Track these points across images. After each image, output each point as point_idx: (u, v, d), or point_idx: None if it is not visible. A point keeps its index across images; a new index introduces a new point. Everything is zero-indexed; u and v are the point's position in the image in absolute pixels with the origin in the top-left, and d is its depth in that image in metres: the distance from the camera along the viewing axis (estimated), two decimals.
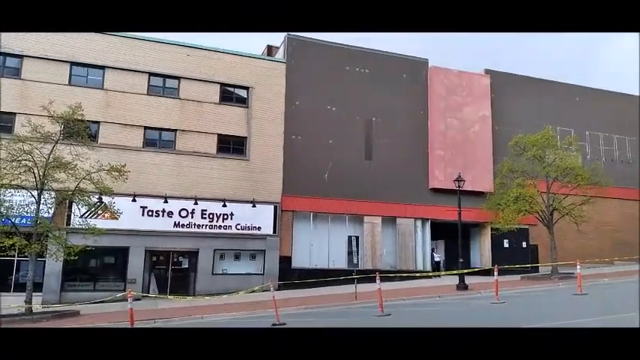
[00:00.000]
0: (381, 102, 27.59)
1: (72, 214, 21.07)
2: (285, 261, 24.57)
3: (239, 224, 24.02)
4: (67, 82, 22.54)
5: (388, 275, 22.24)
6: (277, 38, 30.37)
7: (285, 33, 26.55)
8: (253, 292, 20.42)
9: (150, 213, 22.87)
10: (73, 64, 22.78)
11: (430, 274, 25.20)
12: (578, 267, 16.96)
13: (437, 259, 29.56)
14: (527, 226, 27.88)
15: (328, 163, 26.14)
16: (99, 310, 18.24)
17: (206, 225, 23.60)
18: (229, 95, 25.37)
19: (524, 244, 28.98)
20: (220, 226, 23.78)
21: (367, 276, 19.92)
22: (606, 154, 32.58)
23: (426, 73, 28.99)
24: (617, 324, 9.40)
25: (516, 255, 27.71)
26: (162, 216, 23.04)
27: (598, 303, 13.56)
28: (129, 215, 21.81)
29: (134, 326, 13.26)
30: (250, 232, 24.18)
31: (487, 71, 30.52)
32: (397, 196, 27.18)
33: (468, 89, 29.42)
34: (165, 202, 22.88)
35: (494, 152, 28.87)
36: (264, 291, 20.40)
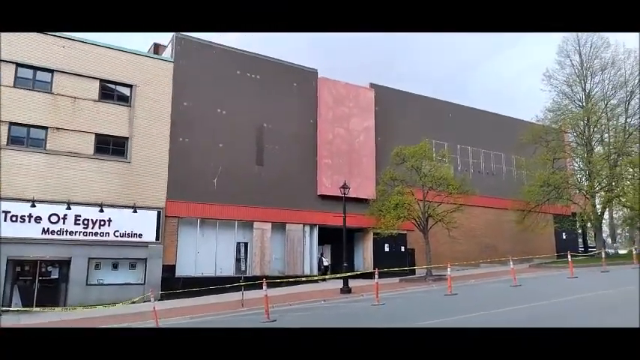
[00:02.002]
0: (272, 109, 27.77)
1: None
2: (169, 269, 23.53)
3: (118, 231, 22.52)
4: None
5: (275, 281, 22.36)
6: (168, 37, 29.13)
7: (173, 33, 25.62)
8: (133, 302, 19.27)
9: (14, 218, 20.55)
10: None
11: (316, 278, 25.78)
12: (448, 269, 18.50)
13: (325, 263, 30.36)
14: (405, 232, 29.77)
15: (218, 167, 25.63)
16: None
17: (80, 232, 21.78)
18: (110, 93, 23.78)
19: (402, 249, 30.92)
20: (96, 233, 22.10)
21: (255, 283, 19.83)
22: (474, 166, 36.04)
23: (316, 83, 29.78)
24: (480, 320, 10.40)
25: (396, 258, 29.43)
26: (29, 222, 20.83)
27: (465, 302, 14.88)
28: None
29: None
30: (130, 239, 22.77)
31: (372, 85, 32.18)
32: (287, 202, 27.47)
33: (354, 101, 30.76)
34: (33, 206, 20.73)
35: (376, 162, 30.47)
36: (144, 301, 19.39)
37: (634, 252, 26.09)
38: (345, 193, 23.02)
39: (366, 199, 28.28)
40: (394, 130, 31.38)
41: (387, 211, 25.85)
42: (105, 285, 22.38)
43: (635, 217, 34.48)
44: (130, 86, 24.08)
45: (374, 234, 28.63)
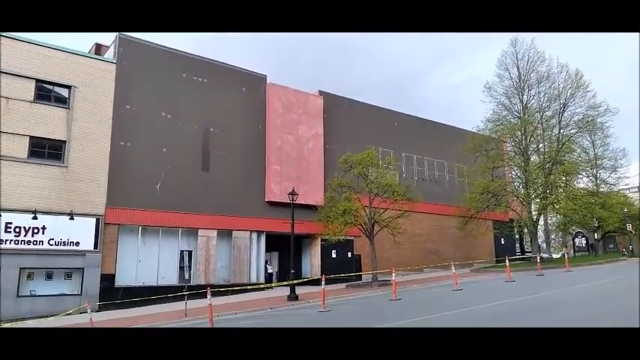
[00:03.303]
0: (220, 113, 27.34)
1: None
2: (108, 279, 22.53)
3: (53, 239, 21.36)
4: None
5: (221, 290, 21.93)
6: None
7: (116, 32, 24.75)
8: (68, 314, 18.32)
9: None
10: None
11: (263, 286, 25.53)
12: (393, 275, 18.81)
13: (269, 270, 30.11)
14: (352, 238, 30.05)
15: (161, 173, 24.88)
16: None
17: (10, 240, 20.48)
18: (47, 94, 22.60)
19: (349, 254, 31.17)
20: (29, 242, 20.86)
21: (199, 292, 19.36)
22: (418, 173, 36.94)
23: (265, 88, 29.61)
24: (424, 324, 10.61)
25: (343, 264, 29.66)
26: None
27: (409, 306, 15.16)
28: None
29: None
30: (66, 247, 21.65)
31: (321, 92, 32.39)
32: (234, 208, 27.06)
33: (303, 108, 30.83)
34: None
35: (325, 168, 30.63)
36: (81, 313, 18.50)
37: (566, 256, 27.57)
38: (293, 200, 22.96)
39: (314, 206, 28.33)
40: (342, 138, 31.71)
41: (335, 218, 26.01)
42: (38, 296, 21.14)
43: (567, 224, 36.53)
44: (69, 87, 23.00)
45: (321, 240, 28.71)
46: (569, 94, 34.91)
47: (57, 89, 22.89)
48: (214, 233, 26.33)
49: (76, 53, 23.68)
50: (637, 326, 5.77)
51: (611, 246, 42.19)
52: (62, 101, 22.91)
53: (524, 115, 35.33)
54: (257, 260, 27.98)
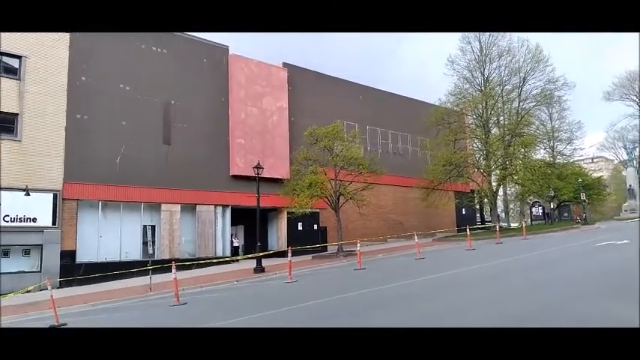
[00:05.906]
0: (181, 85, 26.65)
1: None
2: (69, 255, 22.03)
3: (8, 215, 20.62)
4: None
5: (186, 264, 21.81)
6: None
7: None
8: (28, 292, 17.86)
9: None
10: None
11: (228, 259, 25.52)
12: (358, 245, 19.12)
13: (236, 244, 30.09)
14: (318, 210, 30.26)
15: (121, 146, 24.21)
16: None
17: None
18: None
19: (315, 227, 31.43)
20: None
21: (164, 266, 19.19)
22: (382, 146, 37.30)
23: (227, 60, 28.97)
24: (388, 292, 10.89)
25: (309, 236, 29.92)
26: None
27: (373, 276, 15.50)
28: None
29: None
30: (23, 224, 20.97)
31: (285, 65, 31.94)
32: (198, 182, 26.70)
33: (266, 80, 30.38)
34: None
35: (290, 141, 30.49)
36: (41, 290, 18.09)
37: (524, 225, 28.64)
38: (258, 174, 22.81)
39: (279, 179, 28.26)
40: (307, 111, 31.53)
41: (301, 190, 26.06)
42: None
43: (525, 194, 37.85)
44: (19, 57, 21.86)
45: (288, 213, 28.77)
46: (529, 67, 35.76)
47: (6, 59, 21.73)
48: (178, 207, 25.99)
49: None
50: (636, 326, 6.00)
51: (566, 214, 44.06)
52: (12, 72, 21.81)
53: (485, 88, 35.97)
54: (222, 234, 27.87)
